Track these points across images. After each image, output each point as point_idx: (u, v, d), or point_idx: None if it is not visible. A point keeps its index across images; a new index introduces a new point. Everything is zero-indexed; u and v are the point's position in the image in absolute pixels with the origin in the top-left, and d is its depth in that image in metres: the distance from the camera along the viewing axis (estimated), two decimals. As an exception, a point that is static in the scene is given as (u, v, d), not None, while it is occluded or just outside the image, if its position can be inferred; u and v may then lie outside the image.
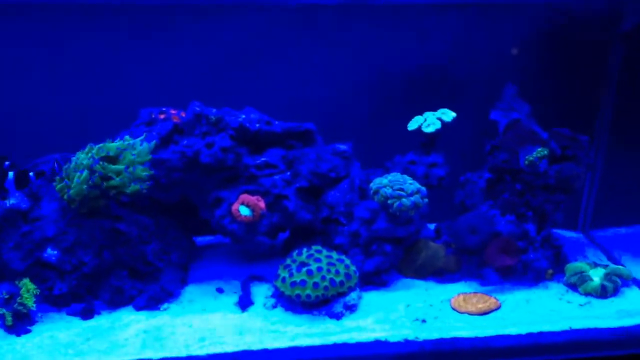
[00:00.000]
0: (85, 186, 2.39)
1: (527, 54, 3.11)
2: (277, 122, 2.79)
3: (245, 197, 2.61)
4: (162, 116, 2.72)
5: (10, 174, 2.40)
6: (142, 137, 2.57)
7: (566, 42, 3.05)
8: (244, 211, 2.59)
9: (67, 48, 2.98)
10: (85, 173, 2.39)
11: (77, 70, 3.00)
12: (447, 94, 3.11)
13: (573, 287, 2.59)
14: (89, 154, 2.44)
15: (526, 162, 2.67)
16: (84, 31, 2.96)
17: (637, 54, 3.02)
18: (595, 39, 3.03)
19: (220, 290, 2.61)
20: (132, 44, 2.99)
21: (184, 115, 2.74)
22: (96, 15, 2.93)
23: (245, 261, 2.86)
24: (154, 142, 2.58)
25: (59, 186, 2.45)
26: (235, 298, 2.55)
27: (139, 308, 2.45)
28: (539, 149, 2.67)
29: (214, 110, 2.72)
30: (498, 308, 2.44)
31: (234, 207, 2.59)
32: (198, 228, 2.93)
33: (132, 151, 2.49)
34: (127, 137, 2.57)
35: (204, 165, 2.63)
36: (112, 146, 2.48)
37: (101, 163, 2.42)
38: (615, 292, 2.53)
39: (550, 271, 2.65)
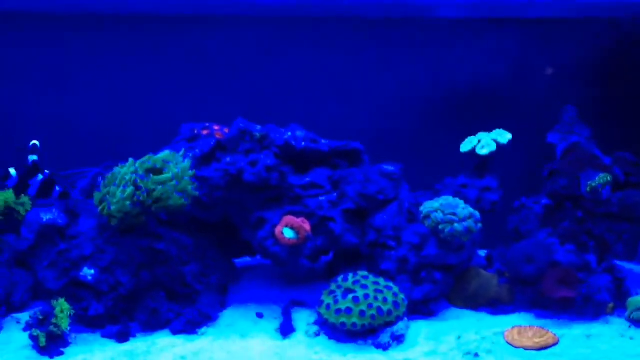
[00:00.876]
0: (129, 202, 2.31)
1: (588, 73, 2.99)
2: (323, 141, 2.69)
3: (289, 218, 2.50)
4: (205, 132, 2.64)
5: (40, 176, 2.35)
6: (181, 153, 2.49)
7: (630, 61, 2.93)
8: (289, 234, 2.48)
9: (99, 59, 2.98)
10: (131, 189, 2.31)
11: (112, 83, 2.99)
12: (502, 113, 3.01)
13: (636, 322, 2.45)
14: (132, 168, 2.36)
15: (588, 189, 2.55)
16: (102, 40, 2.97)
17: None
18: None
19: (260, 315, 2.51)
20: (154, 53, 2.98)
21: (227, 131, 2.65)
22: (107, 24, 2.92)
23: (285, 284, 2.76)
24: (189, 153, 2.50)
25: (98, 198, 2.38)
26: (275, 323, 2.45)
27: (176, 332, 2.36)
28: (602, 175, 2.54)
29: (259, 127, 2.63)
30: (556, 343, 2.30)
31: (278, 229, 2.49)
32: (238, 248, 2.83)
33: (177, 165, 2.41)
34: (167, 151, 2.49)
35: (247, 183, 2.54)
36: (158, 158, 2.42)
37: (147, 178, 2.33)
38: (682, 329, 2.40)
39: (611, 305, 2.51)
